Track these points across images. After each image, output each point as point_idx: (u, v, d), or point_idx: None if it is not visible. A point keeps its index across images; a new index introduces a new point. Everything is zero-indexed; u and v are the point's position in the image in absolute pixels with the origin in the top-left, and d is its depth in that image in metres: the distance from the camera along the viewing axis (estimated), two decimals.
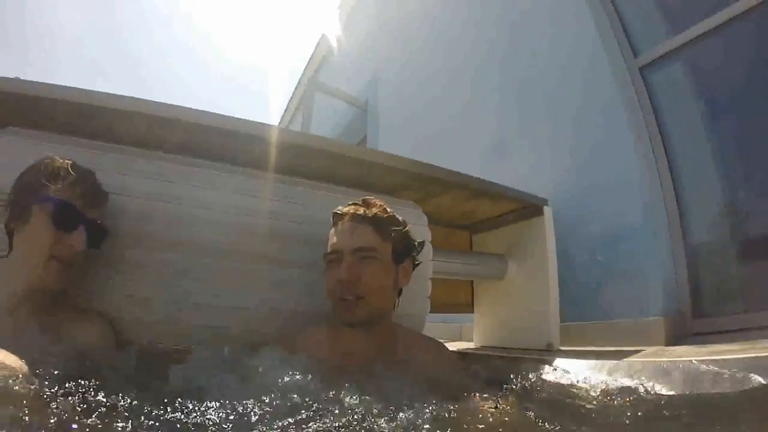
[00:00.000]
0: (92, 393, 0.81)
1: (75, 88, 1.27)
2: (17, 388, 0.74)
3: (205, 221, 1.32)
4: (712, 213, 2.07)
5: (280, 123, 10.10)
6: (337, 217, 1.24)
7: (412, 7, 4.79)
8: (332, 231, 1.24)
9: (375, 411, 0.83)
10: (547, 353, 1.72)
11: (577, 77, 2.56)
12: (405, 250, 1.26)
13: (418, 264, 1.33)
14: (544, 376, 1.31)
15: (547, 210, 1.95)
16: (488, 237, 2.15)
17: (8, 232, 1.10)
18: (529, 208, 1.97)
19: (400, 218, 1.28)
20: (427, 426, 0.78)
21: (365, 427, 0.78)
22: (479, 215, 2.07)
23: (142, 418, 0.75)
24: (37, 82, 1.24)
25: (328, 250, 1.22)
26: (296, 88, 9.28)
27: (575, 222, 2.28)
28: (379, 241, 1.20)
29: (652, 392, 1.04)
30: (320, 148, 1.43)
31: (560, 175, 2.52)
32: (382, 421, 0.79)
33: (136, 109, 1.26)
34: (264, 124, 1.37)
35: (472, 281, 2.24)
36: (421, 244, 1.33)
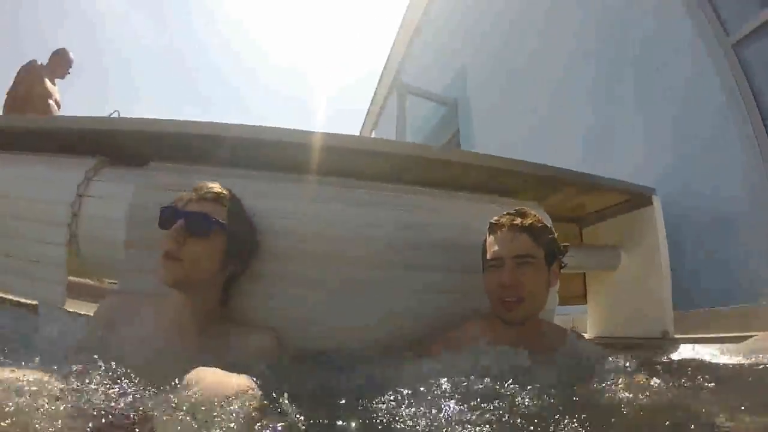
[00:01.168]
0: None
1: (206, 122, 1.49)
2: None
3: (350, 235, 1.48)
4: None
5: (362, 128, 10.37)
6: (496, 226, 1.38)
7: None
8: (491, 239, 1.38)
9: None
10: (666, 341, 1.79)
11: (672, 63, 2.56)
12: (555, 254, 1.40)
13: (564, 266, 1.46)
14: (674, 358, 1.40)
15: (656, 199, 1.98)
16: (598, 229, 2.21)
17: None
18: (637, 198, 2.01)
19: (549, 225, 1.42)
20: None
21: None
22: (588, 208, 2.15)
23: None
24: (172, 120, 1.49)
25: (489, 257, 1.36)
26: (375, 92, 9.46)
27: (682, 210, 2.29)
28: (535, 248, 1.33)
29: None
30: (449, 159, 1.60)
31: (662, 162, 2.53)
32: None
33: (270, 137, 1.48)
34: (397, 141, 1.56)
35: (584, 273, 2.30)
36: (567, 246, 1.45)
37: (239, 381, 0.82)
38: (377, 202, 1.58)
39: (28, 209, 1.50)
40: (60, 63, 4.01)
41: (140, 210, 1.41)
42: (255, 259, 1.38)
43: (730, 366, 1.22)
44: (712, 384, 1.00)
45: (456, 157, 1.63)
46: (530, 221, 1.36)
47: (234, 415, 0.74)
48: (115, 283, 1.90)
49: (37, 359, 0.94)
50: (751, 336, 1.55)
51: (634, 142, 2.77)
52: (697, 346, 1.58)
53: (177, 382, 0.82)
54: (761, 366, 1.15)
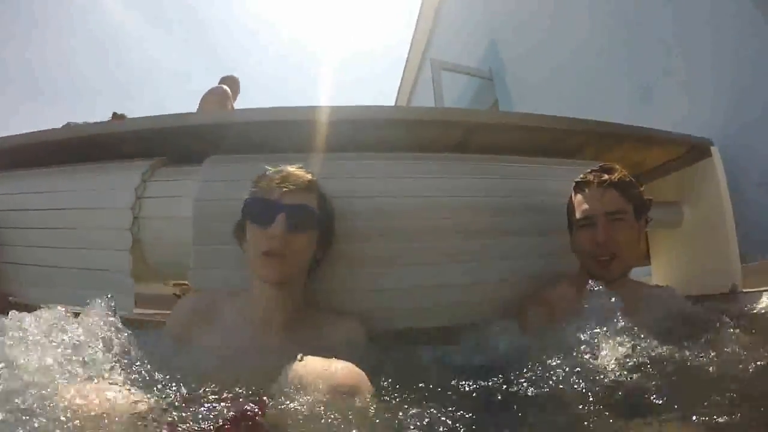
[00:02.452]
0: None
1: (259, 108, 1.49)
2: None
3: (420, 207, 1.49)
4: None
5: (396, 103, 10.29)
6: (584, 184, 1.39)
7: None
8: (579, 198, 1.39)
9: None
10: (738, 294, 1.78)
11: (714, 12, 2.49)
12: (644, 208, 1.42)
13: (650, 220, 1.47)
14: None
15: (715, 150, 1.96)
16: (658, 185, 2.20)
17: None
18: (695, 151, 2.00)
19: (634, 180, 1.42)
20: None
21: None
22: (647, 165, 2.14)
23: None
24: (225, 111, 1.50)
25: (579, 216, 1.37)
26: (405, 68, 9.40)
27: (741, 159, 2.25)
28: (625, 203, 1.35)
29: None
30: (514, 123, 1.64)
31: (715, 113, 2.47)
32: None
33: (338, 117, 1.48)
34: (463, 109, 1.60)
35: (646, 232, 2.29)
36: (650, 200, 1.46)
37: (346, 367, 0.83)
38: (452, 172, 1.59)
39: (89, 219, 1.49)
40: (235, 87, 3.88)
41: (206, 204, 1.40)
42: (337, 242, 1.36)
43: None
44: None
45: (520, 120, 1.67)
46: (618, 176, 1.37)
47: (348, 400, 0.75)
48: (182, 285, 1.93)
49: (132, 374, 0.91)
50: None
51: (680, 95, 2.72)
52: None
53: (285, 372, 0.82)
54: None
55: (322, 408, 0.73)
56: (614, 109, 3.26)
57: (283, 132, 1.53)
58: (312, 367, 0.82)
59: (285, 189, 1.16)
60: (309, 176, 1.22)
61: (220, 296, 1.26)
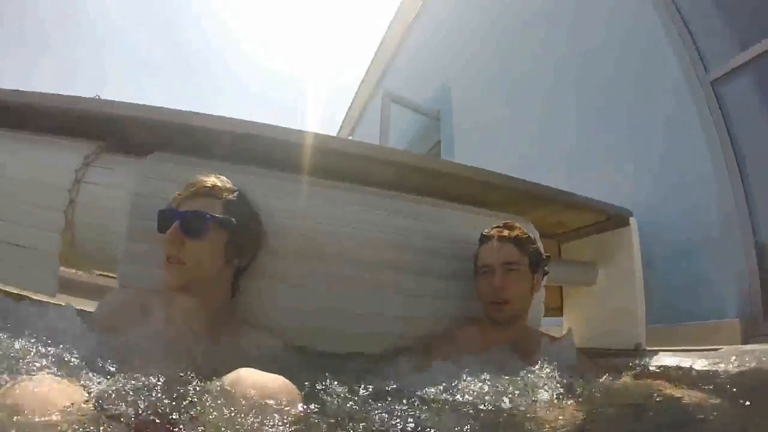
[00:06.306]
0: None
1: (213, 115, 1.45)
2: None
3: (348, 236, 1.52)
4: None
5: (339, 132, 10.37)
6: (486, 238, 1.56)
7: (480, 10, 4.95)
8: (482, 248, 1.56)
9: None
10: (639, 352, 1.90)
11: (652, 90, 2.71)
12: (539, 263, 1.55)
13: (546, 273, 1.62)
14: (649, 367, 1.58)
15: (633, 221, 2.11)
16: (576, 246, 2.32)
17: None
18: (615, 218, 2.13)
19: (533, 236, 1.58)
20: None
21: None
22: (568, 225, 2.26)
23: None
24: (175, 109, 1.44)
25: (479, 264, 1.55)
26: (354, 98, 9.50)
27: (655, 229, 2.42)
28: (520, 256, 1.51)
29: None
30: (448, 171, 1.69)
31: (641, 188, 2.66)
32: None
33: (278, 136, 1.48)
34: (405, 151, 1.63)
35: (560, 287, 2.41)
36: (548, 257, 1.61)
37: (278, 381, 0.83)
38: (383, 207, 1.64)
39: (22, 191, 1.42)
40: None
41: (144, 200, 1.36)
42: (263, 256, 1.36)
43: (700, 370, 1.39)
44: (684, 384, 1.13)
45: (455, 170, 1.72)
46: (516, 233, 1.54)
47: (281, 415, 0.75)
48: (108, 276, 1.86)
49: (48, 359, 0.90)
50: (717, 349, 1.67)
51: (615, 168, 2.90)
52: (668, 354, 1.70)
53: (214, 382, 0.81)
54: (728, 370, 1.29)
55: (252, 417, 0.72)
56: (554, 167, 3.44)
57: (228, 141, 1.51)
58: (251, 380, 0.81)
59: (182, 196, 1.20)
60: (214, 182, 1.23)
61: (148, 294, 1.25)
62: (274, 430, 0.71)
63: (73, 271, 2.09)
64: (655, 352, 1.81)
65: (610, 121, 3.03)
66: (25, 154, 1.47)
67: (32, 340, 0.94)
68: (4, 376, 0.75)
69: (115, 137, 1.55)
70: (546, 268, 1.60)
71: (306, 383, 0.99)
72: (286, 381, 0.83)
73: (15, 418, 0.62)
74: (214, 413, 0.73)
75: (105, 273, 1.94)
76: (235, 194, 1.25)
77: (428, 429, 0.82)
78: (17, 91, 1.48)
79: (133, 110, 1.46)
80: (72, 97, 1.48)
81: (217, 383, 0.80)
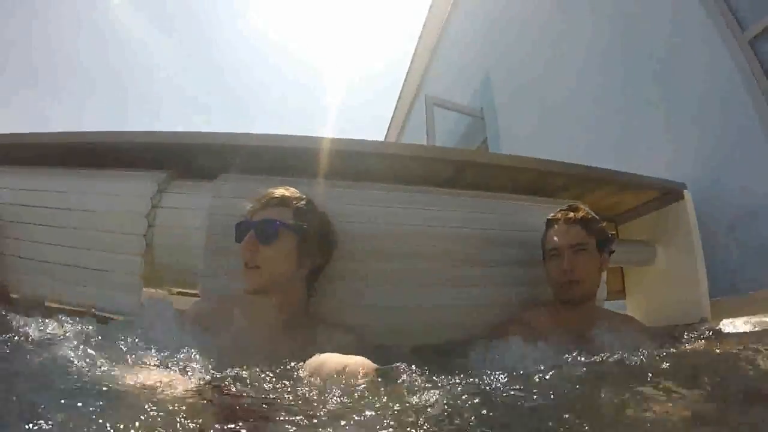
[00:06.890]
0: None
1: (272, 134, 1.62)
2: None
3: (419, 234, 1.62)
4: None
5: (386, 137, 10.48)
6: (553, 221, 1.62)
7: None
8: (549, 232, 1.62)
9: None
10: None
11: (692, 60, 2.68)
12: (605, 241, 1.61)
13: (612, 252, 1.66)
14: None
15: (687, 194, 2.12)
16: (633, 226, 2.35)
17: None
18: (669, 194, 2.15)
19: (597, 217, 1.63)
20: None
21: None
22: (624, 206, 2.29)
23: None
24: (241, 133, 1.61)
25: (549, 247, 1.60)
26: (397, 104, 9.59)
27: (711, 202, 2.39)
28: (587, 236, 1.56)
29: None
30: (502, 163, 1.81)
31: (690, 160, 2.64)
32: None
33: (334, 147, 1.62)
34: (455, 149, 1.75)
35: (621, 269, 2.44)
36: (614, 235, 1.66)
37: (357, 359, 0.89)
38: (442, 204, 1.73)
39: (104, 222, 1.58)
40: None
41: (218, 217, 1.51)
42: (339, 260, 1.47)
43: None
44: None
45: (509, 162, 1.83)
46: (582, 214, 1.59)
47: (361, 388, 0.80)
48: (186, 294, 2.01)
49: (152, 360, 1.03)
50: None
51: (662, 142, 2.88)
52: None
53: (297, 369, 0.91)
54: None
55: (337, 395, 0.79)
56: (602, 151, 3.44)
57: (288, 157, 1.66)
58: (332, 360, 0.90)
59: (256, 207, 1.33)
60: (283, 193, 1.35)
61: (229, 300, 1.39)
62: (356, 403, 0.76)
63: (153, 290, 2.21)
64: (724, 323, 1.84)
65: (650, 97, 3.00)
66: (103, 188, 1.64)
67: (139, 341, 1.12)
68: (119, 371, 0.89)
69: (179, 165, 1.72)
70: (612, 246, 1.65)
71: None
72: (364, 359, 0.91)
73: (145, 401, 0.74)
74: (301, 393, 0.82)
75: (184, 290, 2.06)
76: (303, 202, 1.37)
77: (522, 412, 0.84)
78: (83, 132, 1.68)
79: (201, 138, 1.66)
80: (146, 132, 1.67)
81: (300, 370, 0.91)
